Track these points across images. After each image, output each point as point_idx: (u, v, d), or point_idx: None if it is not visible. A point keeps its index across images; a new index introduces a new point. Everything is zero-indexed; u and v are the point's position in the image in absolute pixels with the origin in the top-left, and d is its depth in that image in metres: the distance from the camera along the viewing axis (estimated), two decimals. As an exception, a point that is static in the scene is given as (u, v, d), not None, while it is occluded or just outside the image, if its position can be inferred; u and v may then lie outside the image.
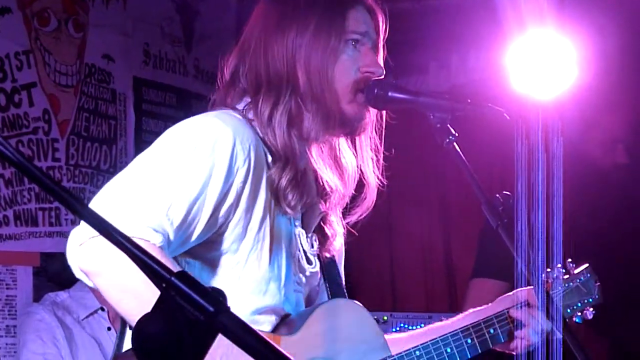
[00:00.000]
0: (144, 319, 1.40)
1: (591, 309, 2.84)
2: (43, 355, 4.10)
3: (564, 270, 2.82)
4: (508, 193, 2.46)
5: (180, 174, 2.27)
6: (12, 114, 4.67)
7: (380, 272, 5.97)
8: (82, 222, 2.19)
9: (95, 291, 3.40)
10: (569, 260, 2.83)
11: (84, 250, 2.18)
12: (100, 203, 2.23)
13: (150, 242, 2.18)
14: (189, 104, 5.45)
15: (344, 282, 2.72)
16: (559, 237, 2.82)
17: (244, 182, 2.33)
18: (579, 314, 2.83)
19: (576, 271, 2.85)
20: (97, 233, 2.16)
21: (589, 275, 2.86)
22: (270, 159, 2.42)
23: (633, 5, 4.68)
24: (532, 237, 2.53)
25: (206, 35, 5.60)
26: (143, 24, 5.31)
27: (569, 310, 2.81)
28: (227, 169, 2.29)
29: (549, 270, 2.77)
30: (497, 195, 2.44)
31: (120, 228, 2.15)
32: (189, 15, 5.58)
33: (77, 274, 2.23)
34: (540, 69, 3.98)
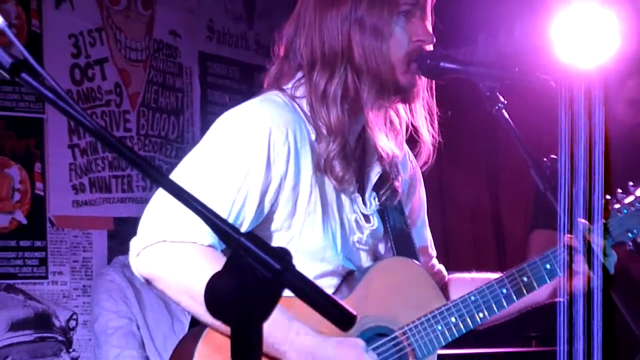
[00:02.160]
0: (216, 277, 1.44)
1: None
2: (116, 313, 4.21)
3: (624, 195, 2.68)
4: (555, 157, 2.50)
5: (221, 172, 2.37)
6: (86, 88, 4.85)
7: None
8: (138, 233, 2.35)
9: None
10: (631, 183, 2.71)
11: (140, 260, 2.33)
12: (151, 210, 2.35)
13: (198, 243, 2.29)
14: (251, 76, 5.49)
15: (425, 230, 2.82)
16: (600, 204, 2.69)
17: (287, 162, 2.40)
18: None
19: (638, 192, 2.70)
20: (150, 242, 2.32)
21: None
22: (314, 137, 2.49)
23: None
24: (573, 201, 2.59)
25: (266, 12, 5.66)
26: (207, 1, 5.42)
27: (635, 232, 2.66)
28: (266, 159, 2.38)
29: (608, 197, 2.67)
30: (545, 159, 2.49)
31: (170, 234, 2.31)
32: (251, -8, 5.68)
33: (141, 280, 2.38)
34: (583, 39, 4.06)
